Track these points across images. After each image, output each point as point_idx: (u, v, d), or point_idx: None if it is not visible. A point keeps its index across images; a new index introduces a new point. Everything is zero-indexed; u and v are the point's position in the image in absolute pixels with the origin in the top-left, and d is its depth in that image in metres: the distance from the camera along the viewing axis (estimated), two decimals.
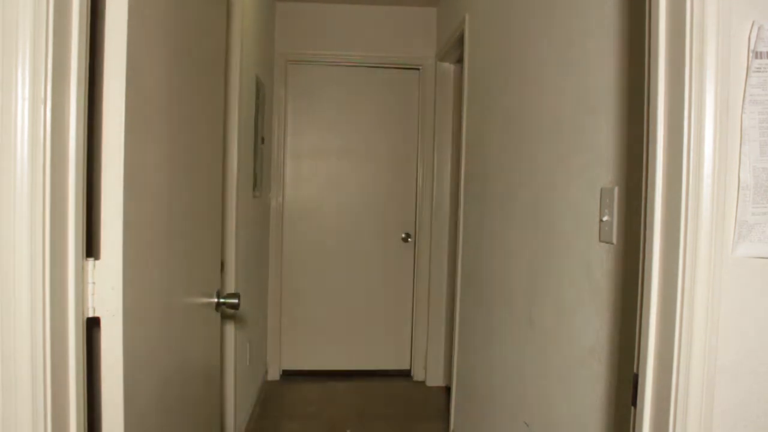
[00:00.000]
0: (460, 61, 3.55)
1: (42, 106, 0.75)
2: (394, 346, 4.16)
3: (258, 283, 3.42)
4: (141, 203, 1.01)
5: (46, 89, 0.75)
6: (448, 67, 3.84)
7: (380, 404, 3.62)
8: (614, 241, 1.31)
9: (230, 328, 2.60)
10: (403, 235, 4.06)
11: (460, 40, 3.09)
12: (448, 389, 3.49)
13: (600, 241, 1.38)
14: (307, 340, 4.11)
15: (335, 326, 4.12)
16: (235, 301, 1.58)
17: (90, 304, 0.89)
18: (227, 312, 2.49)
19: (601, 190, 1.37)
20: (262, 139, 3.38)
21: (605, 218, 1.34)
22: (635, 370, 0.89)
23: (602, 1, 1.40)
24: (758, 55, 0.79)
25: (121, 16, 0.91)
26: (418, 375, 4.09)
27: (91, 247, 0.91)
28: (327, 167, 4.08)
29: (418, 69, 4.02)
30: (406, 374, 4.14)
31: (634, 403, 0.90)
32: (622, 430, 1.25)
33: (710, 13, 0.77)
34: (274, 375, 3.99)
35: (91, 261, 0.89)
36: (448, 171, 3.93)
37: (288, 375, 4.06)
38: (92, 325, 0.91)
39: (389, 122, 4.10)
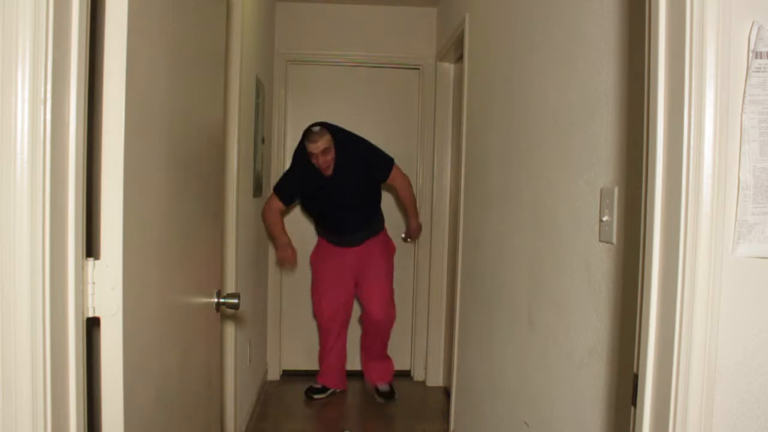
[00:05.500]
0: (460, 60, 3.55)
1: (42, 106, 0.75)
2: (394, 346, 4.15)
3: (258, 283, 3.42)
4: (141, 203, 1.01)
5: (46, 89, 0.75)
6: (448, 67, 3.84)
7: (380, 404, 3.62)
8: (614, 241, 1.31)
9: (230, 328, 2.60)
10: (403, 235, 4.06)
11: (460, 40, 3.09)
12: (448, 389, 3.49)
13: (600, 241, 1.38)
14: (308, 340, 4.10)
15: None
16: (235, 301, 1.58)
17: (90, 304, 0.89)
18: (227, 312, 2.49)
19: (601, 190, 1.37)
20: (263, 139, 3.38)
21: (605, 218, 1.34)
22: (635, 370, 0.89)
23: (602, 1, 1.40)
24: (758, 55, 0.79)
25: (121, 16, 0.91)
26: (418, 375, 4.09)
27: (91, 247, 0.91)
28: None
29: (418, 69, 4.02)
30: (406, 374, 4.14)
31: (634, 403, 0.90)
32: (622, 430, 1.25)
33: (710, 13, 0.77)
34: (274, 375, 3.99)
35: (91, 261, 0.89)
36: (448, 171, 3.93)
37: (288, 375, 4.06)
38: (92, 325, 0.91)
39: (389, 122, 4.11)
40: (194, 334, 1.40)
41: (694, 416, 0.79)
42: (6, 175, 0.73)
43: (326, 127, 3.32)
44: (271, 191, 3.48)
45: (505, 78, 2.24)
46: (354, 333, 4.13)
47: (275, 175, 3.91)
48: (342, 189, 3.37)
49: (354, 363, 4.12)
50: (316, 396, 3.65)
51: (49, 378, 0.77)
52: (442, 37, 3.71)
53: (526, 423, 1.85)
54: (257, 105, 3.10)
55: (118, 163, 0.91)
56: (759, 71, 0.79)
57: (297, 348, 4.09)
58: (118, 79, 0.91)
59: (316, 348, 4.12)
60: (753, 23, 0.79)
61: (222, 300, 1.57)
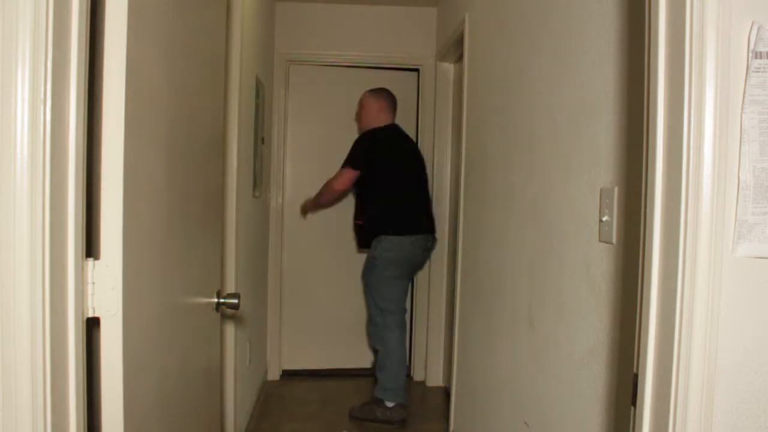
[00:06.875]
0: (460, 60, 3.55)
1: (42, 106, 0.75)
2: None
3: (258, 283, 3.42)
4: (141, 203, 1.01)
5: (46, 89, 0.75)
6: (448, 67, 3.84)
7: None
8: (614, 241, 1.31)
9: (230, 328, 2.60)
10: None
11: (460, 40, 3.09)
12: (448, 389, 3.48)
13: (600, 241, 1.38)
14: (307, 340, 4.11)
15: (335, 326, 4.12)
16: (235, 301, 1.58)
17: (90, 304, 0.89)
18: (227, 312, 2.49)
19: (601, 190, 1.37)
20: (262, 139, 3.38)
21: (605, 218, 1.34)
22: (635, 370, 0.89)
23: (602, 1, 1.40)
24: (758, 55, 0.79)
25: (121, 16, 0.90)
26: (418, 375, 4.09)
27: (91, 247, 0.91)
28: (327, 167, 4.08)
29: (418, 69, 4.02)
30: (406, 374, 4.14)
31: (634, 403, 0.90)
32: (622, 430, 1.25)
33: (710, 13, 0.77)
34: (274, 375, 3.99)
35: (90, 261, 0.89)
36: (448, 171, 3.93)
37: (288, 375, 4.06)
38: (92, 325, 0.91)
39: None
40: (194, 334, 1.40)
41: (694, 416, 0.79)
42: (6, 175, 0.73)
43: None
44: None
45: (505, 78, 2.24)
46: (355, 323, 4.13)
47: (275, 175, 3.91)
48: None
49: (355, 361, 4.12)
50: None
51: (49, 378, 0.77)
52: (442, 37, 3.71)
53: (526, 423, 1.85)
54: (257, 105, 3.10)
55: (118, 163, 0.91)
56: (759, 71, 0.79)
57: (297, 348, 4.09)
58: (118, 79, 0.91)
59: (316, 348, 4.12)
60: (753, 23, 0.79)
61: (222, 300, 1.57)
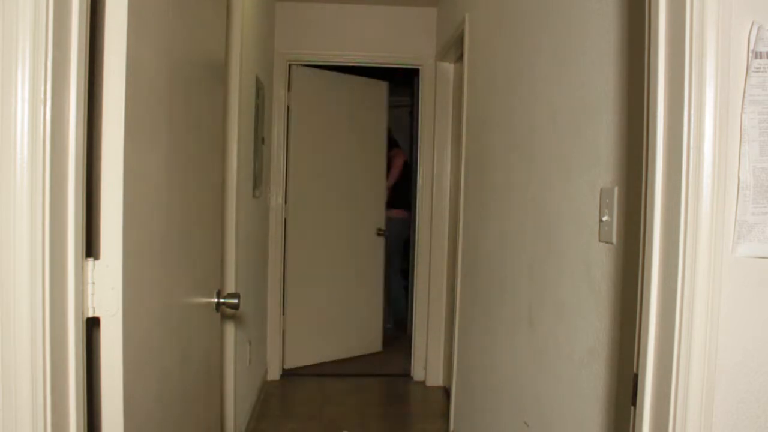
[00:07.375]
0: (460, 61, 3.55)
1: (42, 107, 0.75)
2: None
3: (258, 283, 3.42)
4: (141, 203, 1.01)
5: (46, 89, 0.75)
6: (448, 67, 3.84)
7: (380, 404, 3.62)
8: (614, 241, 1.31)
9: (230, 328, 2.60)
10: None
11: (460, 40, 3.09)
12: (448, 389, 3.48)
13: (600, 241, 1.38)
14: (308, 340, 4.10)
15: (336, 325, 4.12)
16: (235, 301, 1.58)
17: (90, 304, 0.89)
18: (227, 312, 2.49)
19: (601, 190, 1.37)
20: (262, 139, 3.38)
21: (605, 218, 1.34)
22: (635, 370, 0.89)
23: (602, 1, 1.40)
24: (758, 55, 0.79)
25: (121, 16, 0.91)
26: (418, 375, 4.09)
27: (90, 247, 0.91)
28: (328, 167, 4.08)
29: (418, 69, 4.02)
30: (405, 374, 4.14)
31: (634, 403, 0.90)
32: (622, 430, 1.25)
33: (710, 13, 0.77)
34: (274, 375, 3.99)
35: (90, 261, 0.89)
36: (448, 171, 3.93)
37: (288, 375, 4.06)
38: (92, 325, 0.91)
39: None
40: (194, 334, 1.40)
41: (694, 416, 0.79)
42: (6, 175, 0.73)
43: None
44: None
45: (505, 78, 2.24)
46: (354, 322, 4.13)
47: (275, 175, 3.91)
48: None
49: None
50: None
51: (49, 378, 0.77)
52: (442, 37, 3.71)
53: (526, 423, 1.85)
54: (257, 105, 3.10)
55: (118, 163, 0.91)
56: (759, 71, 0.79)
57: (297, 347, 4.09)
58: (117, 79, 0.91)
59: (317, 347, 4.12)
60: (753, 23, 0.79)
61: (222, 300, 1.57)
